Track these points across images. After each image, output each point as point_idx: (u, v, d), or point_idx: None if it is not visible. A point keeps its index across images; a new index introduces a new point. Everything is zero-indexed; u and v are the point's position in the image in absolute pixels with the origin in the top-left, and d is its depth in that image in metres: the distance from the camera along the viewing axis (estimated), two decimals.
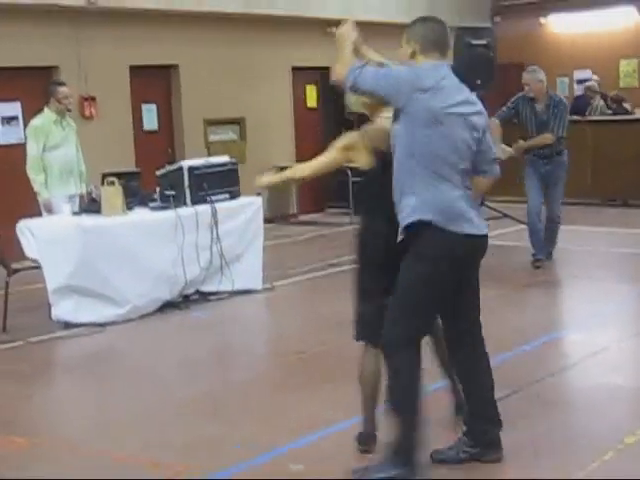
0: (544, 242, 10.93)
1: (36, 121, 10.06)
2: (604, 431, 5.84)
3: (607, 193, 15.73)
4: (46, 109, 10.09)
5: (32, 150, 9.93)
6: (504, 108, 10.99)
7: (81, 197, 9.73)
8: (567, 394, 6.73)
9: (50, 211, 9.85)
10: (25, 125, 10.82)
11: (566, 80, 20.84)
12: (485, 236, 5.19)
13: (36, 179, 9.94)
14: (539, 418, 6.11)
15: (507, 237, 12.74)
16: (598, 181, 15.81)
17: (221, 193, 9.93)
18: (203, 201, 9.74)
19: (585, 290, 9.99)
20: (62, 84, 10.36)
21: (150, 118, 15.02)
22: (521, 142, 10.83)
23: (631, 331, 8.29)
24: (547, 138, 10.67)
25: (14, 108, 12.91)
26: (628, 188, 15.40)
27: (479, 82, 14.34)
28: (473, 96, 5.17)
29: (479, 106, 5.14)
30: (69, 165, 10.13)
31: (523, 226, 11.84)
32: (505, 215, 13.42)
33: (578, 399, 6.57)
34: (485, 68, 13.65)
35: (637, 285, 9.99)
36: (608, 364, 7.28)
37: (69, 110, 10.32)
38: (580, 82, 20.69)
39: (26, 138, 10.23)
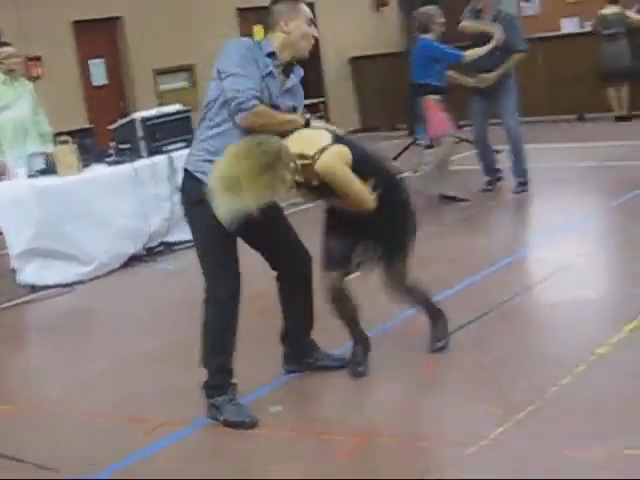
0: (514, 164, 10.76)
1: None
2: (575, 344, 5.90)
3: (563, 109, 15.76)
4: None
5: None
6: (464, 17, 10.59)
7: (47, 156, 9.57)
8: (536, 312, 6.80)
9: (2, 174, 9.65)
10: None
11: None
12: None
13: None
14: (509, 337, 6.18)
15: (466, 161, 12.74)
16: (553, 98, 15.82)
17: (176, 142, 9.85)
18: (159, 152, 9.68)
19: (549, 207, 10.04)
20: (5, 44, 10.12)
21: (98, 73, 14.86)
22: (487, 75, 10.40)
23: (598, 244, 8.36)
24: (518, 58, 10.41)
25: None
26: (583, 102, 15.43)
27: None
28: None
29: None
30: (23, 126, 9.94)
31: None
32: (462, 139, 13.40)
33: (547, 316, 6.63)
34: None
35: (601, 198, 10.05)
36: (576, 279, 7.34)
37: (11, 70, 10.04)
38: None
39: None
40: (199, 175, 5.22)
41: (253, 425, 5.23)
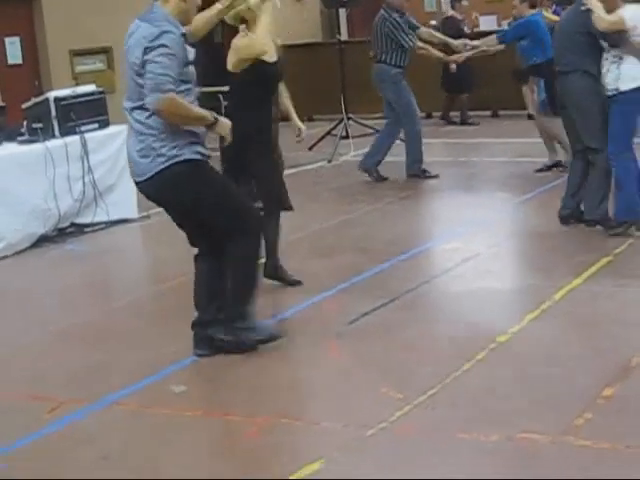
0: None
1: None
2: (478, 332, 6.02)
3: (478, 105, 15.91)
4: None
5: None
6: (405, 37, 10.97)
7: None
8: (442, 300, 6.89)
9: None
10: None
11: None
12: (141, 182, 5.60)
13: None
14: (415, 325, 6.27)
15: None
16: (469, 94, 16.00)
17: (90, 123, 9.77)
18: (72, 132, 9.57)
19: (459, 200, 10.19)
20: None
21: (14, 51, 14.63)
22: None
23: (504, 236, 8.50)
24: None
25: None
26: (498, 99, 15.62)
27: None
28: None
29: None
30: None
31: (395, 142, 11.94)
32: (378, 131, 13.51)
33: (453, 304, 6.74)
34: None
35: (510, 192, 10.20)
36: (482, 269, 7.48)
37: None
38: None
39: None
40: (187, 157, 5.48)
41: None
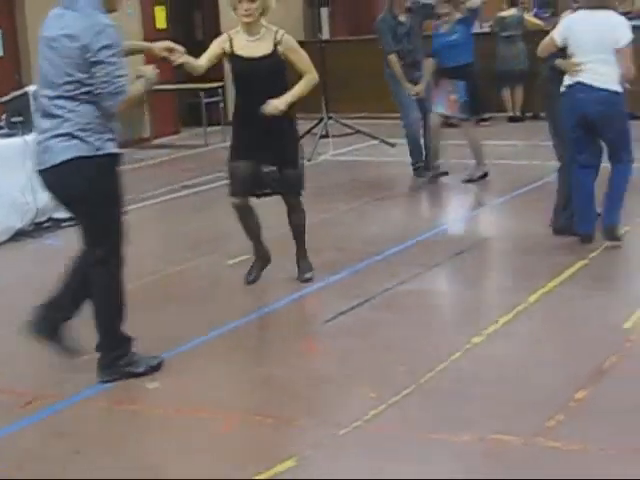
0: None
1: None
2: (453, 333, 6.08)
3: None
4: None
5: None
6: (384, 40, 10.79)
7: None
8: (418, 300, 6.88)
9: None
10: None
11: None
12: (50, 168, 5.42)
13: None
14: (390, 324, 6.29)
15: (360, 153, 12.91)
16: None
17: None
18: None
19: (437, 201, 10.23)
20: None
21: None
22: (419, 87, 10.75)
23: (481, 238, 8.53)
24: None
25: None
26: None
27: None
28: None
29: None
30: None
31: (374, 142, 11.97)
32: (358, 131, 13.57)
33: (429, 305, 6.77)
34: None
35: (490, 194, 10.23)
36: (458, 270, 7.50)
37: None
38: None
39: None
40: (111, 151, 5.39)
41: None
